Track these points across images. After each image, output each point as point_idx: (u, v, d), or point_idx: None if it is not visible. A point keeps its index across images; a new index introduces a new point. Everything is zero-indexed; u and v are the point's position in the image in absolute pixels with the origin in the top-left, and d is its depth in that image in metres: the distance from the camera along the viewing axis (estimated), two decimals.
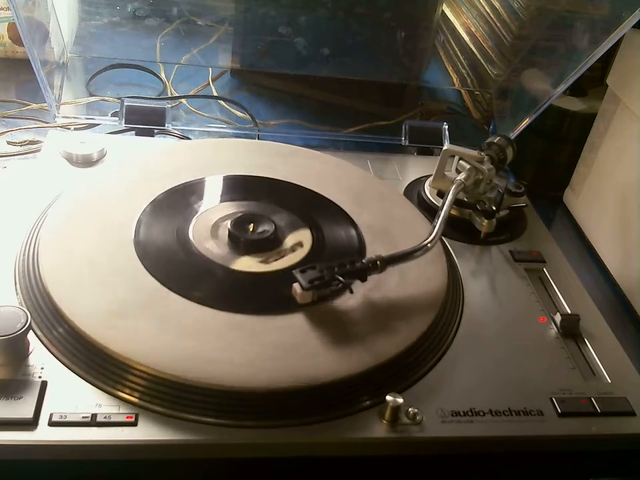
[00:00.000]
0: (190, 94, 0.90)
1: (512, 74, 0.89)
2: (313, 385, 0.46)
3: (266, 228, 0.57)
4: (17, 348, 0.45)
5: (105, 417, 0.43)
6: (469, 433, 0.46)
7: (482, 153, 0.67)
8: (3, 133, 0.78)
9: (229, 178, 0.65)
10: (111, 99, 0.84)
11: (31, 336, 0.47)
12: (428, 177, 0.70)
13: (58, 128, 0.77)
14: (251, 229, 0.57)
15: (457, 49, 1.00)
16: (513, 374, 0.51)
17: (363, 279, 0.52)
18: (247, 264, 0.55)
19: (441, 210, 0.59)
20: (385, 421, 0.45)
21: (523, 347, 0.53)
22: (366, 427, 0.45)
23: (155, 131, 0.77)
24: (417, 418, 0.45)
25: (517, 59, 0.87)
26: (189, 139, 0.79)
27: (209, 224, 0.58)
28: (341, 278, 0.50)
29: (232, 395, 0.44)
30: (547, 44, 0.84)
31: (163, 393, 0.44)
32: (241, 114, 0.87)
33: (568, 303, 0.58)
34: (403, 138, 0.82)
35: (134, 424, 0.43)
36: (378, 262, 0.52)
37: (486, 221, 0.64)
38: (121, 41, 0.89)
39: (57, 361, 0.46)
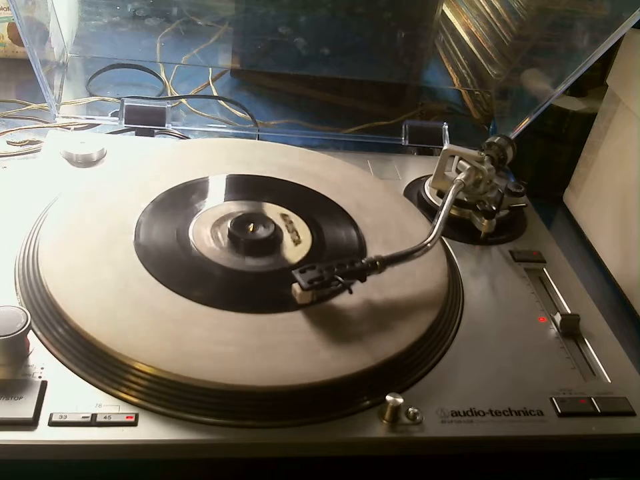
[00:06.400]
0: (190, 94, 0.90)
1: (512, 74, 0.89)
2: (313, 384, 0.46)
3: (266, 228, 0.57)
4: (17, 348, 0.45)
5: (105, 417, 0.43)
6: (469, 433, 0.46)
7: (482, 153, 0.67)
8: (3, 132, 0.78)
9: (229, 178, 0.65)
10: (111, 99, 0.84)
11: (30, 336, 0.47)
12: (428, 176, 0.70)
13: (58, 128, 0.77)
14: (251, 229, 0.57)
15: (457, 49, 1.00)
16: (513, 374, 0.51)
17: (363, 279, 0.52)
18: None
19: (441, 210, 0.59)
20: (384, 421, 0.45)
21: (523, 347, 0.53)
22: (366, 427, 0.45)
23: (155, 131, 0.77)
24: (417, 418, 0.45)
25: (517, 58, 0.87)
26: (188, 138, 0.79)
27: (209, 224, 0.58)
28: (340, 278, 0.50)
29: (232, 394, 0.45)
30: (547, 44, 0.84)
31: (163, 393, 0.44)
32: (241, 114, 0.87)
33: (568, 303, 0.58)
34: (403, 138, 0.82)
35: (134, 424, 0.43)
36: (377, 262, 0.52)
37: (486, 220, 0.64)
38: (121, 41, 0.89)
39: (57, 361, 0.46)
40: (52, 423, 0.42)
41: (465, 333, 0.54)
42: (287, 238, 0.58)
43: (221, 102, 0.89)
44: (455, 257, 0.62)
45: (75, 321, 0.47)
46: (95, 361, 0.45)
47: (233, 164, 0.67)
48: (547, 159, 0.86)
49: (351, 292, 0.50)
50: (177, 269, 0.54)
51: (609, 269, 0.74)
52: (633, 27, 0.65)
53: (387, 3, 0.90)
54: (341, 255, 0.56)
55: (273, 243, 0.57)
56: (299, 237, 0.58)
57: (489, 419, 0.47)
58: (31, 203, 0.59)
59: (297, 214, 0.61)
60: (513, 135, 0.79)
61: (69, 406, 0.43)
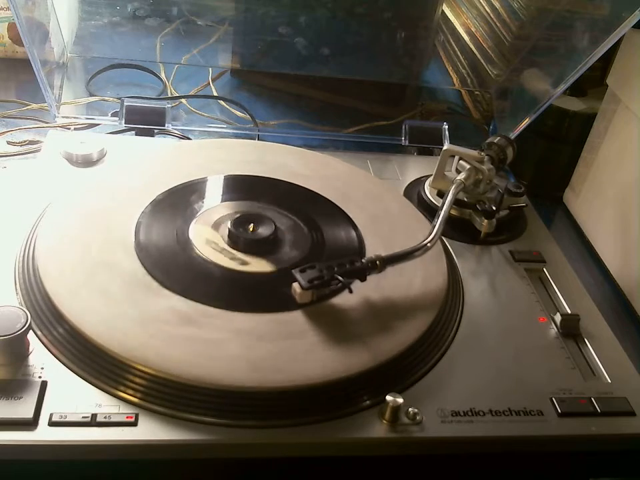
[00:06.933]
0: (190, 94, 0.90)
1: (512, 74, 0.89)
2: (313, 384, 0.46)
3: (266, 228, 0.57)
4: (17, 348, 0.45)
5: (105, 417, 0.43)
6: (469, 433, 0.46)
7: (482, 153, 0.67)
8: (3, 132, 0.78)
9: (229, 178, 0.65)
10: (111, 99, 0.84)
11: (30, 336, 0.46)
12: (428, 176, 0.70)
13: (58, 128, 0.77)
14: (251, 229, 0.57)
15: (457, 49, 1.00)
16: (513, 374, 0.51)
17: (363, 279, 0.52)
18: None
19: (441, 210, 0.59)
20: (384, 421, 0.45)
21: (523, 347, 0.53)
22: (366, 427, 0.45)
23: (155, 130, 0.77)
24: (417, 418, 0.45)
25: (516, 59, 0.87)
26: (189, 139, 0.79)
27: (209, 224, 0.58)
28: (340, 277, 0.50)
29: (232, 394, 0.44)
30: (547, 44, 0.84)
31: (163, 393, 0.44)
32: (241, 114, 0.87)
33: (568, 303, 0.58)
34: (403, 138, 0.82)
35: (134, 424, 0.43)
36: (377, 262, 0.52)
37: (486, 220, 0.64)
38: (121, 41, 0.89)
39: (57, 361, 0.46)
40: (52, 423, 0.42)
41: (465, 333, 0.54)
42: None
43: (221, 102, 0.89)
44: (455, 257, 0.62)
45: (74, 321, 0.47)
46: (95, 361, 0.45)
47: (233, 164, 0.67)
48: (547, 158, 0.86)
49: (351, 291, 0.50)
50: (176, 269, 0.54)
51: (609, 269, 0.74)
52: (633, 27, 0.65)
53: (386, 3, 0.90)
54: (341, 255, 0.56)
55: (273, 242, 0.57)
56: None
57: (489, 419, 0.47)
58: (31, 203, 0.59)
59: (296, 214, 0.61)
60: (513, 135, 0.79)
61: (69, 406, 0.43)
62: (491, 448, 0.47)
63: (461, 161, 0.66)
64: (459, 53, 1.00)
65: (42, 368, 0.45)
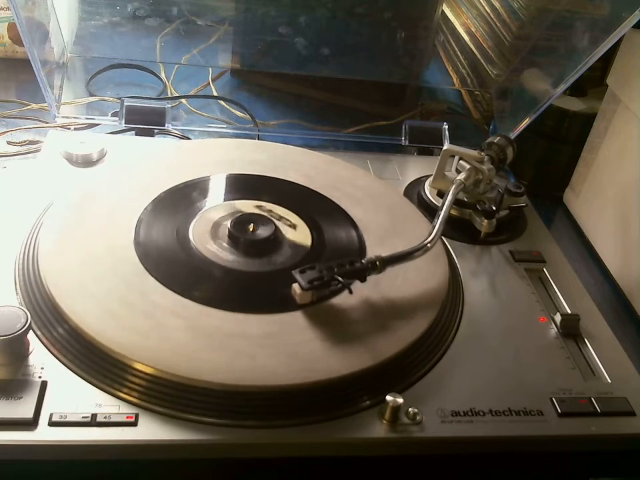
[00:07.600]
0: (190, 94, 0.90)
1: (512, 74, 0.89)
2: (313, 384, 0.46)
3: (266, 228, 0.57)
4: (17, 348, 0.45)
5: (105, 417, 0.43)
6: (469, 432, 0.46)
7: (482, 153, 0.67)
8: (3, 132, 0.78)
9: (229, 178, 0.65)
10: (111, 99, 0.84)
11: (30, 336, 0.46)
12: (428, 176, 0.70)
13: (58, 128, 0.77)
14: (251, 229, 0.57)
15: (457, 49, 1.00)
16: (513, 374, 0.51)
17: (363, 280, 0.52)
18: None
19: (441, 210, 0.59)
20: (384, 421, 0.45)
21: (523, 347, 0.53)
22: (366, 427, 0.45)
23: (155, 131, 0.77)
24: (417, 418, 0.45)
25: (516, 59, 0.88)
26: (189, 138, 0.79)
27: (209, 223, 0.58)
28: (340, 278, 0.50)
29: (232, 394, 0.45)
30: (547, 44, 0.84)
31: (163, 393, 0.44)
32: (241, 114, 0.87)
33: (568, 303, 0.58)
34: (403, 138, 0.82)
35: (134, 424, 0.43)
36: (377, 262, 0.52)
37: (486, 221, 0.64)
38: (121, 41, 0.89)
39: (57, 361, 0.46)
40: (52, 423, 0.42)
41: (465, 333, 0.54)
42: (280, 225, 0.58)
43: (221, 102, 0.89)
44: (455, 257, 0.62)
45: (74, 321, 0.47)
46: (95, 361, 0.45)
47: (233, 164, 0.67)
48: (547, 158, 0.86)
49: (350, 292, 0.50)
50: (176, 268, 0.54)
51: (609, 269, 0.74)
52: (633, 27, 0.65)
53: (386, 3, 0.90)
54: (341, 255, 0.56)
55: (273, 242, 0.57)
56: (289, 220, 0.60)
57: (489, 419, 0.47)
58: (31, 203, 0.59)
59: (296, 214, 0.61)
60: (513, 135, 0.79)
61: (69, 406, 0.43)
62: (491, 448, 0.47)
63: (461, 161, 0.66)
64: (458, 53, 1.00)
65: (42, 368, 0.45)
